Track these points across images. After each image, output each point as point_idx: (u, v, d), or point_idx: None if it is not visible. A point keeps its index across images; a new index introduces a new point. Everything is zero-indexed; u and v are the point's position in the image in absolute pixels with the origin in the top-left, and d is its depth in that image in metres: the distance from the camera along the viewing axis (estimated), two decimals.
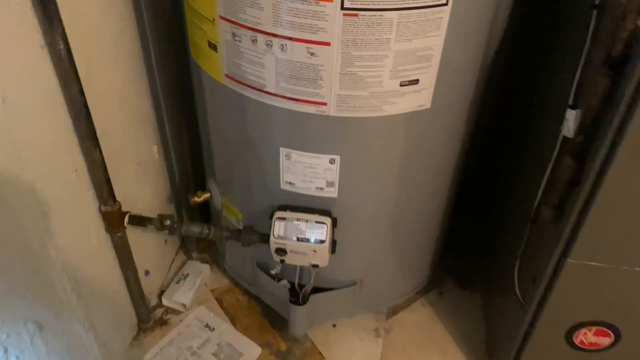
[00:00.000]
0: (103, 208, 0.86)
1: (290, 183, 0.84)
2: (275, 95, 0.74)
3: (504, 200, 1.09)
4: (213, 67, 0.79)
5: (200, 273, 1.19)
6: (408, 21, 0.65)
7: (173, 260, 1.25)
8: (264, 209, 0.90)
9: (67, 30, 0.68)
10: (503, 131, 1.13)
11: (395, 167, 0.83)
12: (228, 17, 0.70)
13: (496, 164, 1.16)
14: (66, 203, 0.77)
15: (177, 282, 1.17)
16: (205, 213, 1.19)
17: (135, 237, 1.00)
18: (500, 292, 1.02)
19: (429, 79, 0.73)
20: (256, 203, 0.92)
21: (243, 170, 0.90)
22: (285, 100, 0.74)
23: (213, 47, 0.76)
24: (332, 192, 0.84)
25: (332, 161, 0.80)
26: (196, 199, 1.03)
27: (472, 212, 1.27)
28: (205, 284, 1.21)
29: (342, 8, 0.64)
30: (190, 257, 1.25)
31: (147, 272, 1.12)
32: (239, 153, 0.88)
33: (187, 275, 1.19)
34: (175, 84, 0.99)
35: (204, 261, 1.25)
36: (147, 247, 1.10)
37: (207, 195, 1.04)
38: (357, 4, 0.63)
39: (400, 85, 0.72)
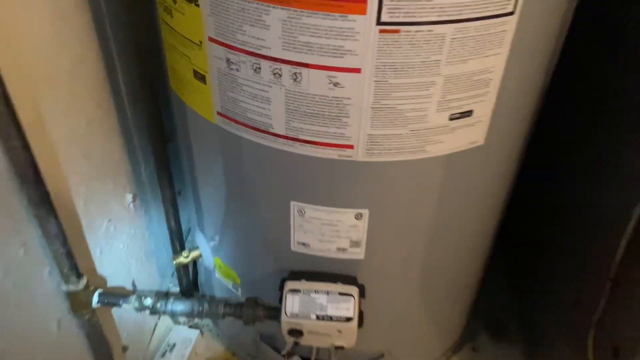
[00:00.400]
0: (64, 287, 0.68)
1: (304, 244, 0.67)
2: (285, 137, 0.58)
3: (549, 239, 0.93)
4: (201, 102, 0.63)
5: (189, 342, 1.01)
6: (464, 37, 0.50)
7: (156, 325, 1.06)
8: (270, 274, 0.73)
9: (1, 62, 0.50)
10: (545, 153, 0.98)
11: (437, 218, 0.67)
12: (221, 40, 0.54)
13: (535, 191, 1.01)
14: (11, 291, 0.59)
15: (163, 356, 0.99)
16: (196, 271, 1.01)
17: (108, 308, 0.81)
18: (557, 353, 0.86)
19: (485, 109, 0.57)
20: (259, 267, 0.75)
21: (241, 228, 0.73)
22: (298, 143, 0.57)
23: (201, 77, 0.60)
24: (358, 254, 0.67)
25: (358, 216, 0.63)
26: (182, 260, 0.85)
27: (501, 244, 1.11)
28: (196, 352, 1.02)
29: (379, 23, 0.48)
30: (176, 322, 1.06)
31: (124, 349, 0.93)
32: (236, 207, 0.71)
33: (174, 345, 1.00)
34: (152, 121, 0.82)
35: (192, 325, 1.06)
36: (124, 317, 0.91)
37: (196, 253, 0.86)
38: (398, 17, 0.47)
39: (450, 119, 0.56)
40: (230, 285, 0.82)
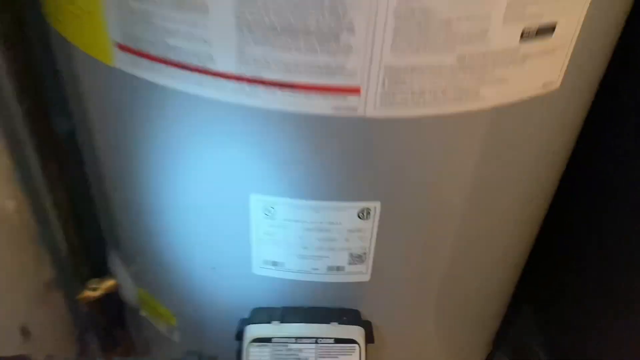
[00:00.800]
0: None
1: (274, 263, 0.43)
2: (237, 78, 0.33)
3: (587, 249, 0.73)
4: (89, 33, 0.37)
5: None
6: None
7: None
8: (222, 312, 0.48)
9: None
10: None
11: (480, 210, 0.44)
12: None
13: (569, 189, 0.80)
14: None
15: None
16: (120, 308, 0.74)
17: None
18: None
19: (571, 24, 0.35)
20: (204, 301, 0.50)
21: (172, 241, 0.48)
22: (260, 88, 0.33)
23: None
24: (361, 274, 0.43)
25: (364, 214, 0.40)
26: (89, 294, 0.59)
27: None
28: None
29: None
30: None
31: None
32: (162, 207, 0.46)
33: None
34: (23, 80, 0.55)
35: None
36: None
37: (111, 283, 0.60)
38: None
39: (522, 38, 0.33)
40: (163, 328, 0.57)
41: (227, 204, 0.41)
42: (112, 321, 0.72)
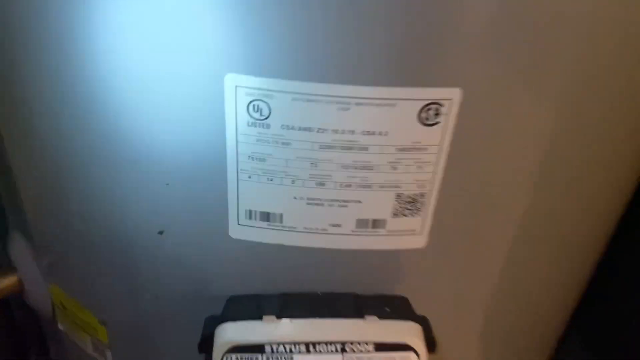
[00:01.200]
0: None
1: (266, 215, 0.26)
2: None
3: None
4: None
5: None
6: None
7: None
8: (175, 309, 0.30)
9: None
10: None
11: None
12: None
13: None
14: None
15: None
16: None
17: None
18: None
19: None
20: (145, 294, 0.32)
21: (92, 190, 0.30)
22: None
23: None
24: (413, 234, 0.26)
25: (430, 114, 0.23)
26: None
27: None
28: None
29: None
30: None
31: None
32: (74, 126, 0.28)
33: None
34: None
35: None
36: None
37: (10, 281, 0.41)
38: None
39: None
40: (88, 347, 0.38)
41: (183, 98, 0.24)
42: (25, 342, 0.53)
